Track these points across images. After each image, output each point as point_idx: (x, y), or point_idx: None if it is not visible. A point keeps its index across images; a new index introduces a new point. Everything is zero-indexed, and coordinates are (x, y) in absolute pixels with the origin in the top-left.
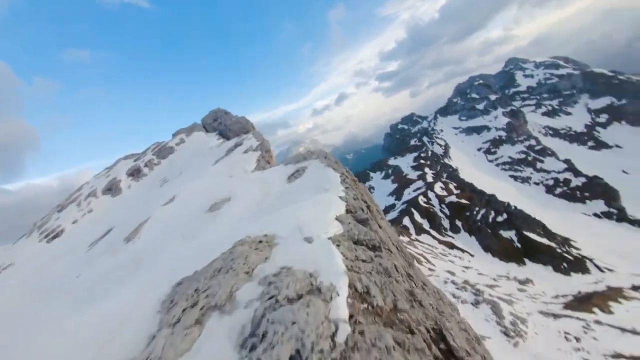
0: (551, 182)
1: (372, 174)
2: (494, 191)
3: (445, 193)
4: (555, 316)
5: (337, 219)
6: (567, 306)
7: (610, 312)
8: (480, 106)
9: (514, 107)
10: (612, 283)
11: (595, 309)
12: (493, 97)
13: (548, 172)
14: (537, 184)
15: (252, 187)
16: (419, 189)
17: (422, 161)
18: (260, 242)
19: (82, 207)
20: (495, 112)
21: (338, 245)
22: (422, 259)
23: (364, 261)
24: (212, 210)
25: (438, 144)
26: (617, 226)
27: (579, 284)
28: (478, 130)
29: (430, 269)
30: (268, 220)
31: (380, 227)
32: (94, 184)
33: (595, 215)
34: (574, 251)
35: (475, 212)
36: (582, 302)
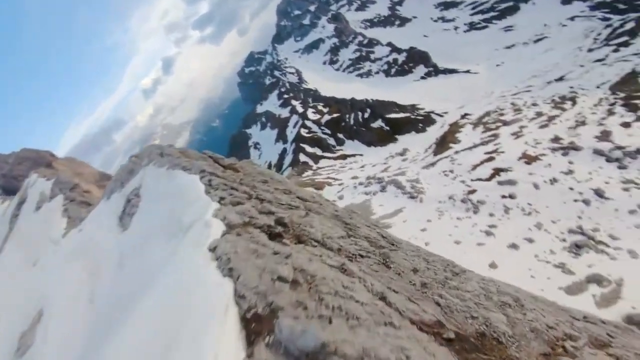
0: (385, 67)
1: (249, 131)
2: (351, 94)
3: (318, 116)
4: (432, 164)
5: None
6: (435, 153)
7: (458, 141)
8: (306, 21)
9: (333, 12)
10: (450, 121)
11: (451, 144)
12: (312, 7)
13: (380, 59)
14: (377, 72)
15: (71, 271)
16: (296, 123)
17: (285, 96)
18: None
19: None
20: (321, 22)
21: None
22: (330, 180)
23: None
24: (22, 354)
25: (290, 73)
26: (437, 79)
27: (433, 133)
28: (315, 45)
29: (339, 184)
30: None
31: (321, 245)
32: None
33: (422, 77)
34: (421, 112)
35: (347, 120)
36: (441, 145)
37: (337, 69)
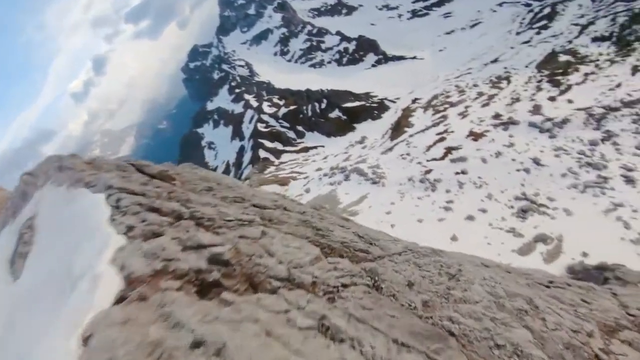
0: (337, 56)
1: (201, 131)
2: (306, 85)
3: (274, 109)
4: (390, 149)
5: None
6: (392, 138)
7: (412, 125)
8: (252, 10)
9: (279, 0)
10: (402, 107)
11: (405, 129)
12: None
13: (331, 48)
14: (329, 62)
15: None
16: (252, 118)
17: (237, 90)
18: None
19: None
20: (267, 12)
21: None
22: (294, 174)
23: None
24: None
25: (239, 66)
26: (387, 66)
27: (388, 119)
28: (263, 36)
29: (305, 177)
30: None
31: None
32: None
33: (373, 65)
34: (375, 99)
35: (305, 111)
36: (397, 130)
37: (289, 60)
